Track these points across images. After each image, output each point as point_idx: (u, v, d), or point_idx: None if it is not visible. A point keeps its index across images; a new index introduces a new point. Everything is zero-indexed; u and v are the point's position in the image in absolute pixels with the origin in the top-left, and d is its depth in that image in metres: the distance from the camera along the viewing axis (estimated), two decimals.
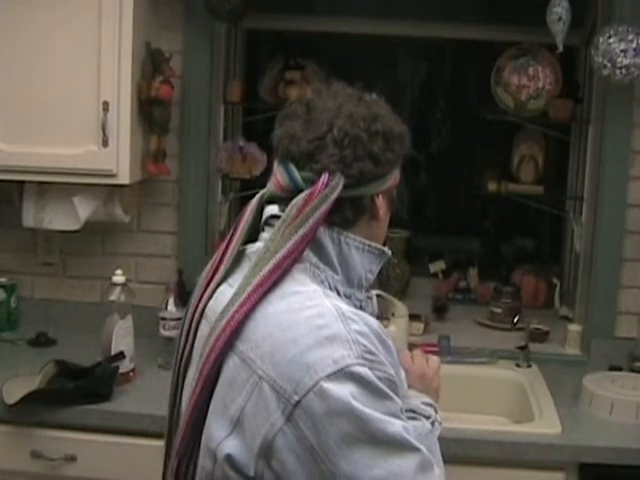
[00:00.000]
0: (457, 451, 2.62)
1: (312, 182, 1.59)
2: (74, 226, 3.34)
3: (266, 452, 1.46)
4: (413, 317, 3.47)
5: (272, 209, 1.67)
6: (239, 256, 1.68)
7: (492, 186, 3.81)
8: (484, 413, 3.18)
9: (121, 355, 2.99)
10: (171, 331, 3.13)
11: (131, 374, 3.05)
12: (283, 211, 1.61)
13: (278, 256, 1.54)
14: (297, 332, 1.48)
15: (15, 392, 2.78)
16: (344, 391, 1.43)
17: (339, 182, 1.59)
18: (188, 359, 1.67)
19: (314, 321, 1.50)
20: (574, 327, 3.52)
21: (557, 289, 3.96)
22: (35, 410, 2.79)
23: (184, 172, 3.52)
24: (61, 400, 2.81)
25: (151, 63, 3.29)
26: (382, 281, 3.74)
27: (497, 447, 2.71)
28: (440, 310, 3.81)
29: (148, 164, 3.33)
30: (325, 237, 1.62)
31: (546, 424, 2.82)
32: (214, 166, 3.56)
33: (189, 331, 1.68)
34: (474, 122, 4.49)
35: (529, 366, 3.32)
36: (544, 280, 4.03)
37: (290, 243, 1.55)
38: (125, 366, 3.01)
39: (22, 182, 3.32)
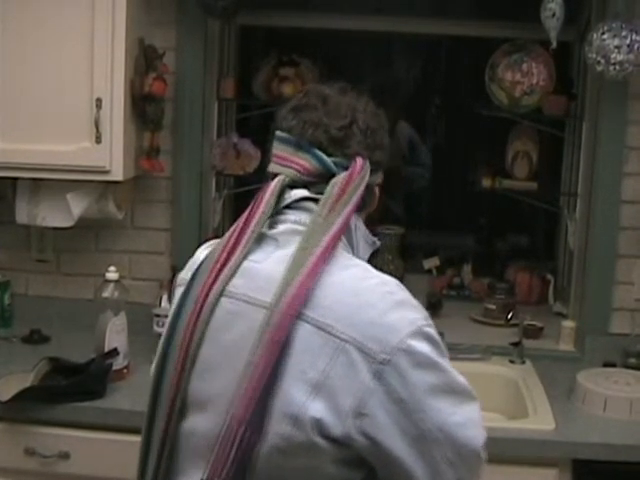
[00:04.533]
0: None
1: (343, 166, 1.69)
2: (68, 223, 3.34)
3: (356, 411, 1.53)
4: None
5: (300, 192, 1.71)
6: (259, 237, 1.69)
7: (486, 182, 3.82)
8: None
9: (115, 352, 2.98)
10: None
11: (125, 371, 3.05)
12: (318, 193, 1.69)
13: (334, 228, 1.63)
14: (370, 297, 1.59)
15: (9, 389, 2.78)
16: (425, 347, 1.61)
17: (369, 166, 1.72)
18: (201, 338, 1.63)
19: (382, 288, 1.63)
20: (568, 323, 3.52)
21: (551, 285, 3.96)
22: (29, 407, 2.79)
23: (178, 168, 3.52)
24: (55, 397, 2.80)
25: (144, 59, 3.28)
26: None
27: (491, 443, 2.68)
28: (434, 306, 3.80)
29: (141, 160, 3.33)
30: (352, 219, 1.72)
31: (540, 420, 2.82)
32: (208, 162, 3.56)
33: (201, 309, 1.63)
34: (468, 118, 4.49)
35: (523, 362, 3.32)
36: (538, 276, 4.03)
37: (341, 218, 1.64)
38: (119, 363, 3.00)
39: (15, 179, 3.32)
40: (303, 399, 1.53)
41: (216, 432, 1.57)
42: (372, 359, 1.53)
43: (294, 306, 1.55)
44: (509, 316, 3.54)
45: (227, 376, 1.59)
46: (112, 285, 3.10)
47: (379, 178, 1.81)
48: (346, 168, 1.69)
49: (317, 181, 1.70)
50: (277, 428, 1.54)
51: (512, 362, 3.32)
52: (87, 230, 3.55)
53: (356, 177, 1.68)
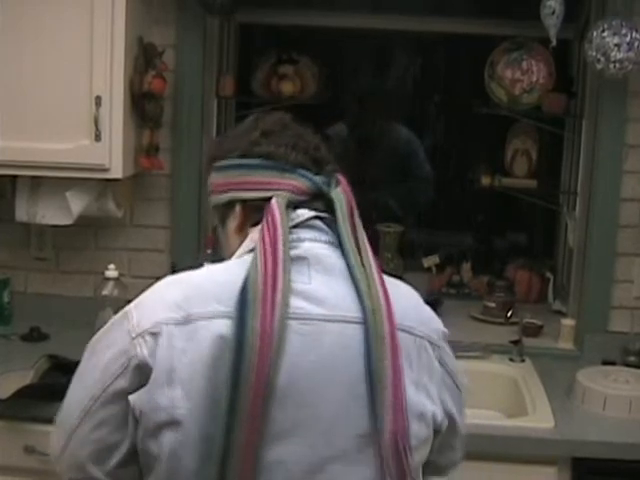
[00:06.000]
0: None
1: (326, 184, 1.73)
2: (67, 221, 3.34)
3: (439, 396, 1.74)
4: None
5: (307, 212, 1.72)
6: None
7: (485, 180, 3.82)
8: (477, 407, 3.17)
9: None
10: None
11: None
12: (315, 210, 1.72)
13: (367, 244, 1.72)
14: (416, 298, 1.81)
15: (8, 387, 2.78)
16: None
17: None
18: (278, 365, 1.55)
19: (411, 290, 1.83)
20: (567, 321, 3.52)
21: (550, 283, 3.96)
22: (28, 405, 2.78)
23: (177, 166, 3.52)
24: (54, 395, 2.78)
25: (144, 57, 3.28)
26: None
27: (490, 441, 2.71)
28: (433, 304, 3.75)
29: (141, 158, 3.33)
30: None
31: (539, 418, 2.82)
32: None
33: (270, 337, 1.53)
34: (468, 116, 4.48)
35: (522, 360, 3.32)
36: (537, 274, 4.03)
37: (364, 234, 1.73)
38: None
39: (15, 177, 3.32)
40: (418, 397, 1.66)
41: (310, 459, 1.58)
42: (436, 347, 1.73)
43: (392, 315, 1.63)
44: (508, 314, 3.54)
45: (324, 396, 1.59)
46: (112, 283, 3.10)
47: None
48: (328, 184, 1.72)
49: (309, 199, 1.72)
50: (417, 431, 1.65)
51: (511, 360, 3.32)
52: (86, 228, 3.55)
53: (350, 193, 1.74)
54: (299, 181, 1.71)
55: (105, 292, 3.10)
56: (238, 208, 1.75)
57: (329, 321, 1.61)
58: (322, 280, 1.65)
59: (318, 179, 1.72)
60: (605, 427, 2.80)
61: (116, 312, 3.02)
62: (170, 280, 1.72)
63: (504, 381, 3.23)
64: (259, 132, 1.77)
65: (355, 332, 1.61)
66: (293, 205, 1.70)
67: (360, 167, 4.80)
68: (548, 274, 3.99)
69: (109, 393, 1.62)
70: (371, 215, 4.61)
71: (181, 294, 1.62)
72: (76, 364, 2.96)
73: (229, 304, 1.56)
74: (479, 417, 3.04)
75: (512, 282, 3.94)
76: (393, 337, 1.61)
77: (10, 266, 3.62)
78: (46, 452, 2.77)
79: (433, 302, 3.75)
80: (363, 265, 1.67)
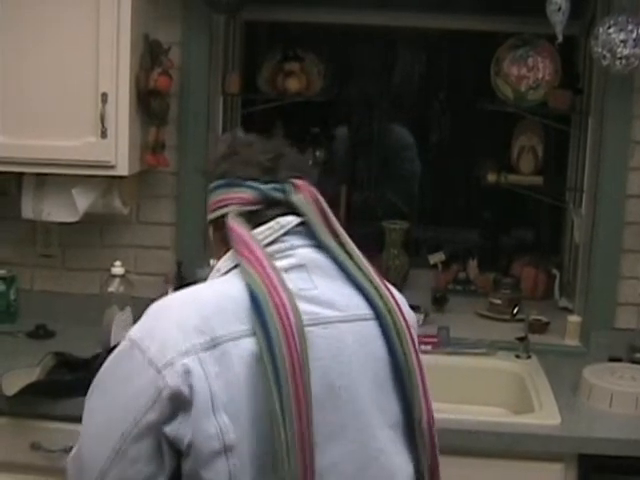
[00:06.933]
0: (456, 442, 2.62)
1: (280, 190, 1.74)
2: (73, 218, 3.34)
3: None
4: (412, 308, 3.46)
5: (293, 219, 1.73)
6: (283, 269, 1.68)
7: (492, 177, 3.82)
8: (483, 404, 3.18)
9: None
10: None
11: None
12: (277, 216, 1.74)
13: (351, 242, 1.76)
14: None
15: (14, 384, 2.78)
16: None
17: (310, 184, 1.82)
18: (308, 373, 1.56)
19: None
20: (574, 318, 3.52)
21: (557, 280, 3.96)
22: (34, 402, 2.79)
23: (183, 163, 3.52)
24: (60, 392, 2.81)
25: (149, 54, 3.28)
26: (381, 272, 3.74)
27: (496, 438, 2.71)
28: (439, 301, 3.80)
29: (147, 155, 3.33)
30: None
31: (545, 415, 2.81)
32: None
33: (294, 342, 1.55)
34: (473, 113, 4.48)
35: (529, 357, 3.31)
36: (544, 271, 4.02)
37: (345, 233, 1.77)
38: None
39: (21, 174, 3.32)
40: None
41: (360, 455, 1.64)
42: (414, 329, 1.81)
43: (403, 312, 1.74)
44: (515, 311, 3.54)
45: (359, 392, 1.65)
46: (117, 280, 3.11)
47: None
48: (283, 191, 1.73)
49: (262, 208, 1.74)
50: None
51: (518, 357, 3.32)
52: (92, 225, 3.55)
53: (314, 191, 1.76)
54: (246, 192, 1.74)
55: (111, 289, 3.11)
56: (210, 229, 1.84)
57: (346, 321, 1.67)
58: (325, 284, 1.69)
59: (265, 187, 1.73)
60: (611, 424, 2.80)
61: (122, 309, 3.06)
62: (176, 302, 1.69)
63: (510, 378, 3.23)
64: (220, 155, 1.85)
65: (371, 328, 1.70)
66: (248, 216, 1.73)
67: (363, 165, 4.81)
68: (554, 271, 3.99)
69: (141, 428, 1.57)
70: (376, 212, 4.62)
71: (197, 316, 1.59)
72: (82, 361, 2.99)
73: (247, 321, 1.57)
74: (485, 414, 3.05)
75: (518, 279, 3.94)
76: (409, 330, 1.71)
77: (16, 263, 3.63)
78: (52, 449, 2.79)
79: (439, 299, 3.78)
80: (357, 266, 1.72)
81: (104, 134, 3.08)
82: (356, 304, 1.70)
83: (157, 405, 1.55)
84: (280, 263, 1.67)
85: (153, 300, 1.70)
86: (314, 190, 1.76)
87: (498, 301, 3.78)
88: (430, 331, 3.38)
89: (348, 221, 3.69)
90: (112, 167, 3.13)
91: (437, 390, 3.03)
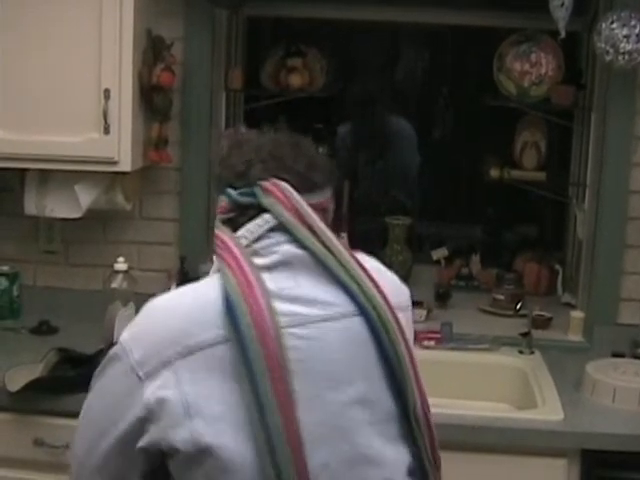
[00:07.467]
0: (459, 437, 2.63)
1: (249, 194, 1.75)
2: (76, 214, 3.34)
3: None
4: (415, 304, 3.46)
5: (267, 218, 1.73)
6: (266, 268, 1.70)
7: (495, 173, 3.82)
8: (487, 400, 3.18)
9: None
10: None
11: None
12: (251, 219, 1.75)
13: (331, 235, 1.74)
14: (385, 270, 1.87)
15: (17, 380, 2.79)
16: None
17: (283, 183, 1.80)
18: (289, 376, 1.58)
19: (378, 264, 1.88)
20: (577, 314, 3.52)
21: (560, 276, 3.95)
22: (37, 398, 2.79)
23: (186, 159, 3.52)
24: (63, 388, 2.81)
25: (152, 50, 3.28)
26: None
27: (499, 433, 2.71)
28: (442, 297, 3.80)
29: (150, 151, 3.33)
30: None
31: (549, 411, 2.82)
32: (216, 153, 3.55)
33: (272, 345, 1.57)
34: (476, 109, 4.48)
35: (532, 353, 3.32)
36: (547, 267, 4.02)
37: (324, 228, 1.75)
38: None
39: (24, 170, 3.32)
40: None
41: (350, 454, 1.64)
42: (408, 308, 1.87)
43: (389, 302, 1.71)
44: (518, 306, 3.54)
45: (346, 392, 1.65)
46: (121, 276, 3.11)
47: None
48: (252, 195, 1.74)
49: (237, 215, 1.76)
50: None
51: (521, 352, 3.32)
52: (95, 221, 3.55)
53: (284, 194, 1.72)
54: (223, 201, 1.78)
55: (114, 285, 3.11)
56: None
57: (330, 320, 1.67)
58: (309, 281, 1.69)
59: (233, 192, 1.75)
60: (614, 419, 2.80)
61: (125, 305, 3.06)
62: (160, 307, 1.72)
63: (513, 373, 3.23)
64: (219, 157, 1.86)
65: (357, 324, 1.68)
66: (228, 223, 1.76)
67: (366, 161, 4.81)
68: (557, 266, 3.99)
69: (120, 430, 1.63)
70: (380, 208, 4.62)
71: (179, 322, 1.64)
72: (85, 357, 2.99)
73: (224, 326, 1.60)
74: (488, 409, 3.05)
75: (521, 274, 3.94)
76: (397, 321, 1.69)
77: (19, 259, 3.63)
78: (55, 445, 2.80)
79: (442, 295, 3.78)
80: (339, 262, 1.70)
81: (107, 130, 3.08)
82: (340, 301, 1.69)
83: (135, 410, 1.61)
84: (263, 260, 1.69)
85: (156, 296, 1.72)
86: (286, 190, 1.72)
87: (501, 297, 3.78)
88: (433, 327, 3.39)
89: (351, 217, 3.68)
90: (115, 163, 3.13)
91: (440, 386, 3.05)
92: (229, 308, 1.59)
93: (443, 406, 2.77)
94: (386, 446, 1.68)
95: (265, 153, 1.78)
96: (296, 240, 1.70)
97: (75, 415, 2.66)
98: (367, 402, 1.67)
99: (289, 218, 1.70)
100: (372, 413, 1.67)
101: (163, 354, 1.60)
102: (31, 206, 3.37)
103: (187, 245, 3.53)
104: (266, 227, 1.71)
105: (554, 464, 2.72)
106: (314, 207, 1.75)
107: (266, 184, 1.73)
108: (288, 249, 1.70)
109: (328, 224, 1.79)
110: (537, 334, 3.40)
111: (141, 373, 1.60)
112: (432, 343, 3.29)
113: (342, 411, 1.64)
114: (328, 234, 1.72)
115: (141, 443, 1.61)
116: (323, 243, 1.70)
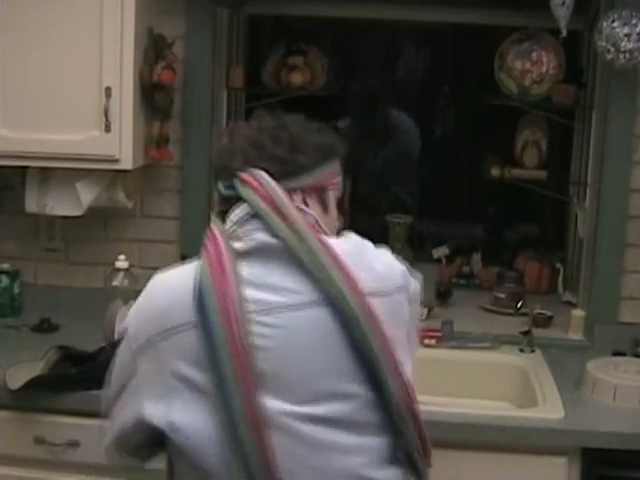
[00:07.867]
0: (460, 436, 2.62)
1: (228, 186, 1.85)
2: (77, 212, 3.35)
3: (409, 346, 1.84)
4: None
5: (242, 209, 1.81)
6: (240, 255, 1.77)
7: (495, 171, 3.82)
8: (487, 398, 3.19)
9: None
10: None
11: None
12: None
13: (303, 225, 1.76)
14: (370, 253, 1.89)
15: (18, 378, 2.79)
16: None
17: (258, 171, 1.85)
18: (249, 354, 1.64)
19: (363, 246, 1.91)
20: (577, 312, 3.52)
21: (560, 274, 3.96)
22: (38, 396, 2.79)
23: (187, 157, 3.52)
24: (64, 385, 2.81)
25: (153, 48, 3.28)
26: None
27: (500, 432, 2.71)
28: (443, 295, 3.80)
29: (151, 149, 3.33)
30: None
31: (549, 409, 2.81)
32: None
33: (236, 331, 1.63)
34: (477, 108, 4.48)
35: (533, 351, 3.32)
36: (547, 265, 4.02)
37: (299, 216, 1.78)
38: None
39: (25, 168, 3.32)
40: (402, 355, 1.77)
41: (312, 441, 1.67)
42: (404, 288, 1.84)
43: (359, 290, 1.70)
44: (518, 305, 3.54)
45: (312, 379, 1.68)
46: (122, 274, 3.11)
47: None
48: (232, 187, 1.82)
49: (226, 208, 1.86)
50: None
51: (522, 351, 3.32)
52: (96, 219, 3.56)
53: (260, 185, 1.78)
54: (216, 196, 1.90)
55: (115, 283, 3.11)
56: None
57: (298, 308, 1.69)
58: (279, 269, 1.73)
59: (221, 187, 1.85)
60: (615, 418, 2.79)
61: (126, 303, 3.06)
62: (156, 285, 1.87)
63: (514, 372, 3.23)
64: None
65: (323, 313, 1.69)
66: (221, 217, 1.87)
67: (367, 159, 4.81)
68: (558, 265, 3.99)
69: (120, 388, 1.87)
70: (380, 206, 4.62)
71: (163, 305, 1.78)
72: (86, 355, 2.99)
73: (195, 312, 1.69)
74: (489, 408, 3.05)
75: (522, 273, 3.94)
76: (367, 310, 1.69)
77: (20, 257, 3.63)
78: (56, 442, 2.80)
79: (443, 293, 3.78)
80: (311, 252, 1.72)
81: (108, 128, 3.08)
82: (307, 290, 1.70)
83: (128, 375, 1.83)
84: (243, 245, 1.75)
85: None
86: (262, 178, 1.78)
87: (502, 295, 3.78)
88: (434, 325, 3.39)
89: (352, 215, 3.68)
90: (116, 161, 3.13)
91: (441, 384, 3.05)
92: (199, 295, 1.67)
93: (444, 404, 2.78)
94: (354, 434, 1.70)
95: (246, 143, 1.84)
96: (269, 229, 1.75)
97: (76, 413, 2.67)
98: (338, 390, 1.69)
99: (264, 208, 1.75)
100: (343, 401, 1.69)
101: (150, 332, 1.74)
102: (32, 204, 3.37)
103: (188, 243, 3.52)
104: (244, 214, 1.79)
105: (555, 462, 2.72)
106: (303, 190, 1.83)
107: (243, 175, 1.80)
108: (262, 237, 1.75)
109: (328, 202, 1.88)
110: (538, 332, 3.40)
111: (135, 346, 1.76)
112: (433, 341, 3.29)
113: (309, 398, 1.67)
114: (302, 223, 1.75)
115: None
116: (297, 232, 1.73)
